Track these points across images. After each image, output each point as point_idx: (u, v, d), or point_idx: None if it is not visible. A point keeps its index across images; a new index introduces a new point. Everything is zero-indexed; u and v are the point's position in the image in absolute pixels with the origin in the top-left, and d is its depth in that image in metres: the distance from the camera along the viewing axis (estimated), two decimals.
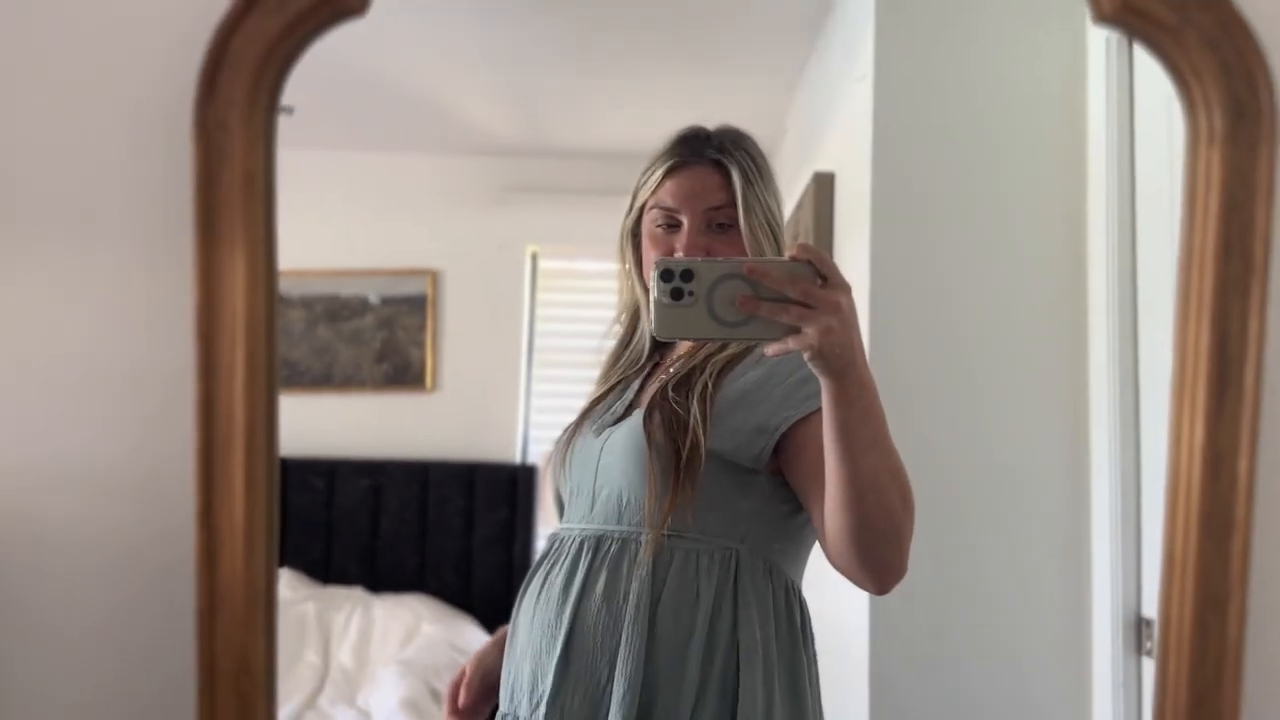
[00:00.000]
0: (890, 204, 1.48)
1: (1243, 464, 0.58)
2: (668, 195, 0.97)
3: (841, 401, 0.76)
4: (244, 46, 0.61)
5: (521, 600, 0.98)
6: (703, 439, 0.91)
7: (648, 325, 1.03)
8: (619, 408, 1.01)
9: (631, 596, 0.90)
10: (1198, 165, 0.58)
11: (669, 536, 0.90)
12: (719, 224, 0.96)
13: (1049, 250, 1.40)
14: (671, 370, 0.99)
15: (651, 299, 0.74)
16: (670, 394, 0.95)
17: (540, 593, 0.95)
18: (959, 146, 1.46)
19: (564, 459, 1.00)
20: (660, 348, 1.05)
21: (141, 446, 0.68)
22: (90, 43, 0.68)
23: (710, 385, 0.94)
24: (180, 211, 0.64)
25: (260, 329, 0.61)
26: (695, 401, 0.93)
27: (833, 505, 0.82)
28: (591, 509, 0.95)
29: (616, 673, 0.88)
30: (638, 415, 0.96)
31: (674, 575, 0.90)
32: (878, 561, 0.83)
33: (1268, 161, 0.58)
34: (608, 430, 0.98)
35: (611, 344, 1.09)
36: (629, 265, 1.04)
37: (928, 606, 1.33)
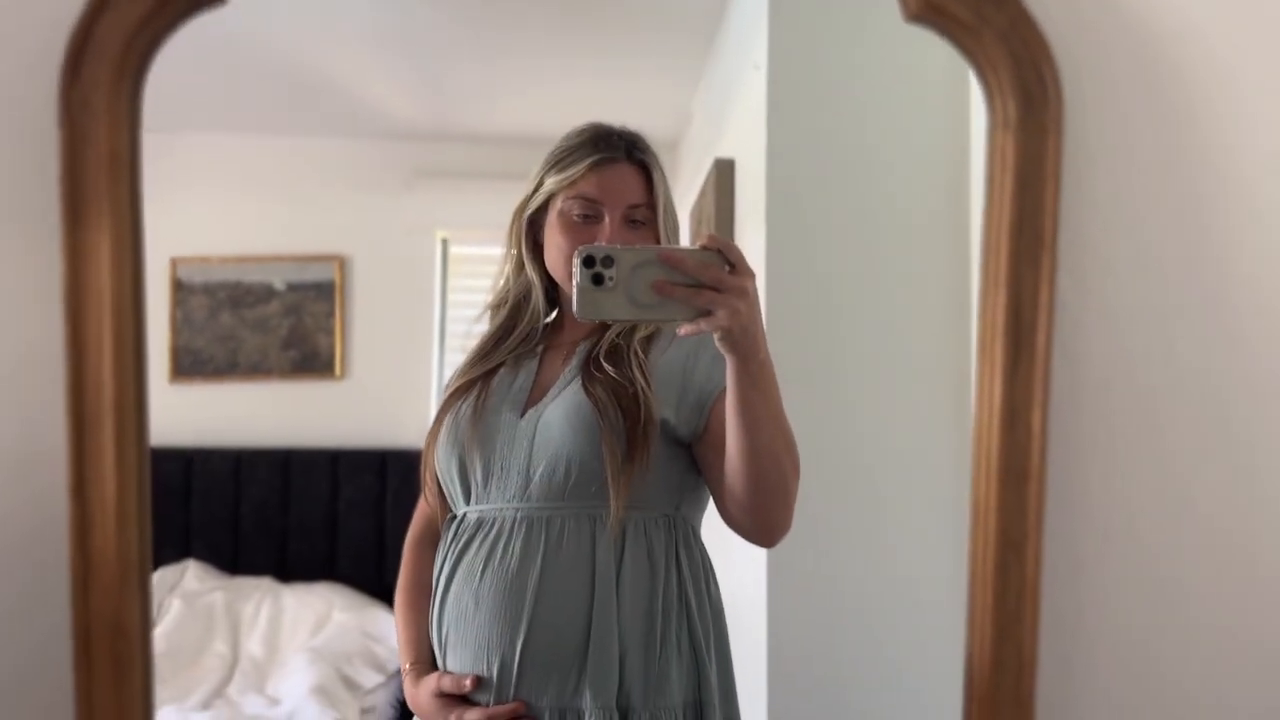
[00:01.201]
0: (785, 190, 1.53)
1: (1036, 419, 0.65)
2: (592, 188, 1.00)
3: (745, 378, 0.84)
4: (108, 30, 0.63)
5: (448, 587, 0.98)
6: (654, 407, 0.96)
7: (543, 308, 1.06)
8: (524, 386, 1.03)
9: (598, 568, 0.94)
10: (994, 149, 0.65)
11: (625, 508, 0.94)
12: (635, 220, 1.01)
13: (934, 233, 1.46)
14: (580, 349, 1.02)
15: (575, 282, 0.79)
16: (604, 366, 0.98)
17: (481, 575, 0.96)
18: (850, 134, 1.51)
19: (473, 439, 1.00)
20: (548, 333, 1.07)
21: (13, 423, 0.70)
22: None
23: (643, 356, 0.99)
24: (47, 192, 0.66)
25: (127, 307, 0.64)
26: (636, 371, 0.98)
27: (734, 469, 0.89)
28: (526, 488, 0.96)
29: (591, 642, 0.92)
30: (575, 389, 0.98)
31: (631, 545, 0.95)
32: (770, 520, 0.92)
33: (1055, 145, 0.64)
34: (533, 409, 1.00)
35: (483, 329, 1.10)
36: (519, 250, 1.06)
37: (821, 565, 1.39)
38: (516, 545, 0.95)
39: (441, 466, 1.03)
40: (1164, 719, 0.77)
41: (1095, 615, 0.75)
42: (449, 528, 1.02)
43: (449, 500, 1.04)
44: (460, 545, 0.99)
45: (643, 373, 0.98)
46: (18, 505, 0.69)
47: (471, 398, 1.03)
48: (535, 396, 1.02)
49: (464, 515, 1.01)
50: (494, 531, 0.97)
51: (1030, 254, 0.64)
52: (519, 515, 0.96)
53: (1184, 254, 0.73)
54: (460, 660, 0.96)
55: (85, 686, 0.65)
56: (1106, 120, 0.70)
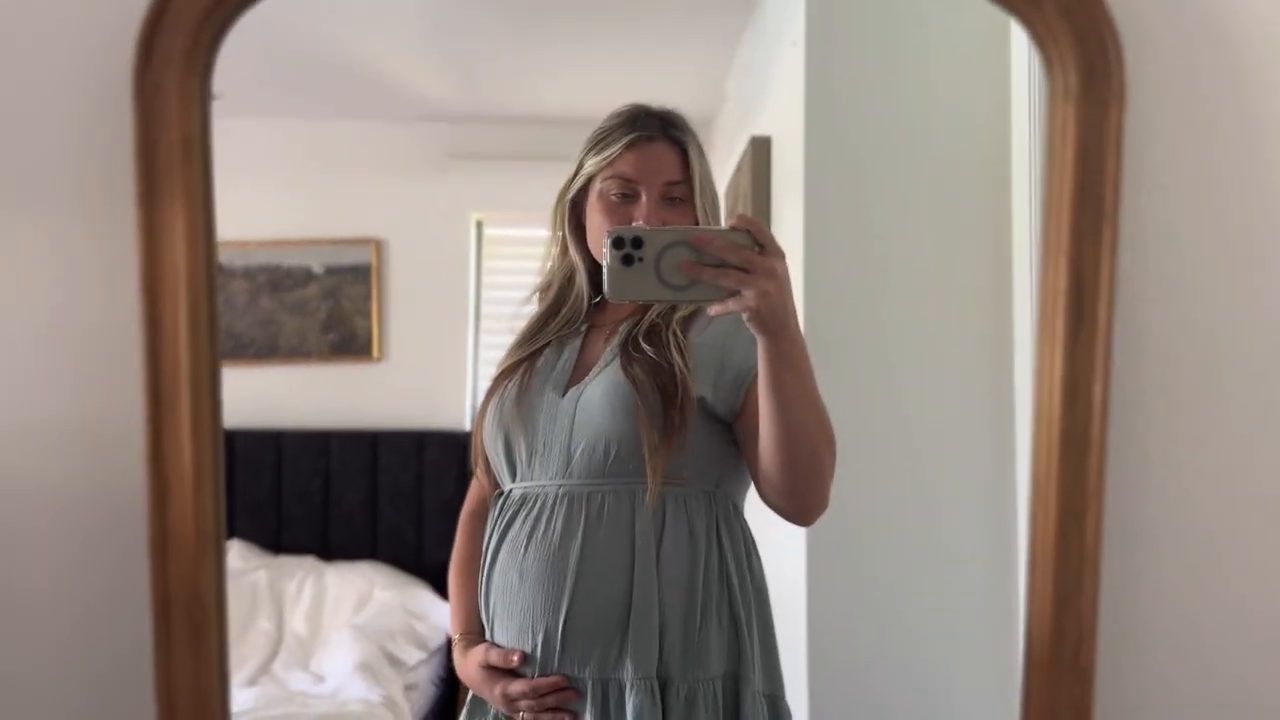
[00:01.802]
0: (824, 168, 1.52)
1: (1097, 390, 0.65)
2: (628, 168, 1.01)
3: (775, 357, 0.84)
4: (180, 14, 0.64)
5: (494, 561, 1.00)
6: (691, 386, 0.97)
7: (587, 289, 1.07)
8: (567, 366, 1.04)
9: (638, 542, 0.95)
10: (1055, 120, 0.65)
11: (663, 484, 0.96)
12: (673, 198, 1.01)
13: (975, 212, 1.45)
14: (621, 330, 1.03)
15: (605, 263, 0.80)
16: (643, 346, 0.99)
17: (525, 549, 0.98)
18: (889, 111, 1.50)
19: (517, 419, 1.02)
20: (592, 313, 1.08)
21: (92, 398, 0.72)
22: (31, 11, 0.70)
23: (681, 336, 1.00)
24: (121, 174, 0.67)
25: (201, 283, 0.65)
26: (674, 351, 0.99)
27: (767, 449, 0.90)
28: (568, 465, 0.98)
29: (633, 613, 0.94)
30: (614, 369, 0.99)
31: (671, 520, 0.97)
32: (805, 497, 0.93)
33: (1116, 116, 0.64)
34: (574, 389, 1.01)
35: (531, 310, 1.11)
36: (563, 232, 1.08)
37: (860, 545, 1.40)
38: (558, 520, 0.97)
39: (489, 445, 1.05)
40: (1220, 690, 0.77)
41: (1153, 585, 0.75)
42: (495, 504, 1.04)
43: (496, 477, 1.06)
44: (505, 521, 1.01)
45: (680, 352, 0.99)
46: (97, 477, 0.71)
47: (517, 378, 1.05)
48: (578, 375, 1.03)
49: (509, 492, 1.03)
50: (537, 507, 0.99)
51: (1092, 226, 0.64)
52: (561, 491, 0.98)
53: (1245, 226, 0.73)
54: (506, 632, 0.98)
55: (164, 653, 0.67)
56: (1169, 92, 0.70)
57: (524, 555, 0.97)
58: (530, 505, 0.99)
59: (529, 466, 1.01)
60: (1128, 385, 0.71)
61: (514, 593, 0.97)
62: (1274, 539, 0.76)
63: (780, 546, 1.39)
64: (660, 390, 0.96)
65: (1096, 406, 0.66)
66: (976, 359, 1.42)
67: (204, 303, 0.66)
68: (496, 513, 1.03)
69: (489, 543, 1.03)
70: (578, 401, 1.00)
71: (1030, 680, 0.69)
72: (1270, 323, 0.74)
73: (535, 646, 0.96)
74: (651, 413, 0.96)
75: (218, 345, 0.67)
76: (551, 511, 0.98)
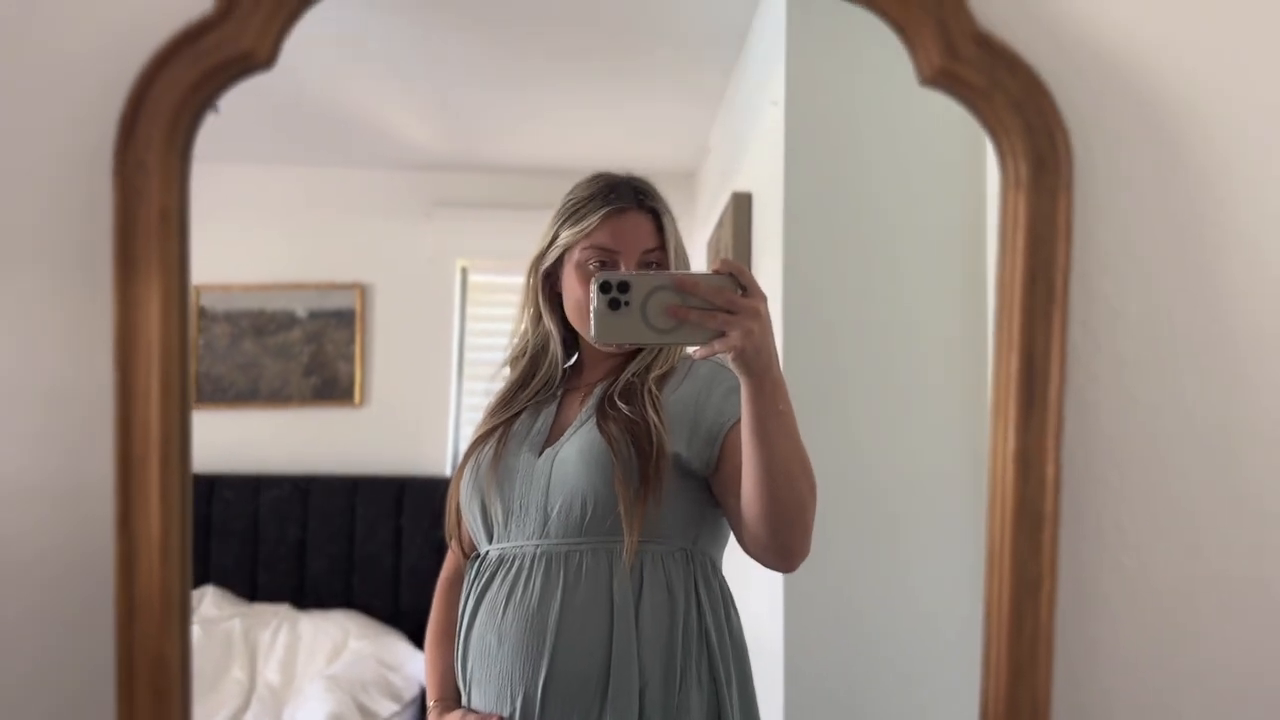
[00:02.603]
0: (802, 223, 1.55)
1: (1049, 468, 0.67)
2: (607, 238, 1.03)
3: (759, 399, 0.86)
4: (161, 95, 0.66)
5: (471, 624, 1.01)
6: (666, 442, 0.99)
7: (561, 356, 1.09)
8: (543, 429, 1.05)
9: (616, 600, 0.96)
10: (1007, 208, 0.67)
11: (640, 541, 0.97)
12: (649, 263, 1.03)
13: (949, 267, 1.48)
14: (596, 391, 1.05)
15: (592, 309, 0.83)
16: (619, 405, 1.01)
17: (503, 611, 0.98)
18: (867, 170, 1.53)
19: (493, 481, 1.02)
20: (567, 379, 1.10)
21: (62, 462, 0.72)
22: (16, 88, 0.72)
23: (656, 393, 1.02)
24: (99, 244, 0.69)
25: (174, 353, 0.67)
26: (648, 408, 1.00)
27: (750, 493, 0.91)
28: (545, 525, 0.99)
29: (612, 674, 0.94)
30: (589, 428, 1.01)
31: (649, 578, 0.97)
32: (789, 543, 0.94)
33: (1065, 205, 0.67)
34: (550, 449, 1.02)
35: (498, 385, 1.13)
36: (536, 304, 1.09)
37: (838, 592, 1.40)
38: (536, 581, 0.97)
39: (465, 509, 1.06)
40: None
41: (1109, 659, 0.76)
42: (471, 567, 1.04)
43: (474, 540, 1.07)
44: (483, 583, 1.01)
45: (655, 409, 1.00)
46: (64, 538, 0.72)
47: (492, 442, 1.06)
48: (553, 437, 1.04)
49: (486, 554, 1.03)
50: (515, 568, 0.99)
51: (1043, 309, 0.67)
52: (539, 551, 0.98)
53: (1192, 305, 0.75)
54: (485, 696, 0.98)
55: (127, 718, 0.67)
56: (1115, 181, 0.73)
57: (502, 617, 0.97)
58: (508, 566, 1.00)
59: (505, 528, 1.01)
60: (1080, 460, 0.73)
61: (492, 655, 0.97)
62: (1229, 609, 0.77)
63: (758, 601, 1.40)
64: (635, 447, 0.98)
65: (1049, 482, 0.68)
66: (950, 410, 1.43)
67: (176, 371, 0.67)
68: (473, 575, 1.03)
69: (465, 605, 1.03)
70: (554, 461, 1.01)
71: None
72: (1217, 397, 0.76)
73: (514, 710, 0.95)
74: (626, 469, 0.97)
75: (189, 414, 0.68)
76: (529, 572, 0.98)
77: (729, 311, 0.82)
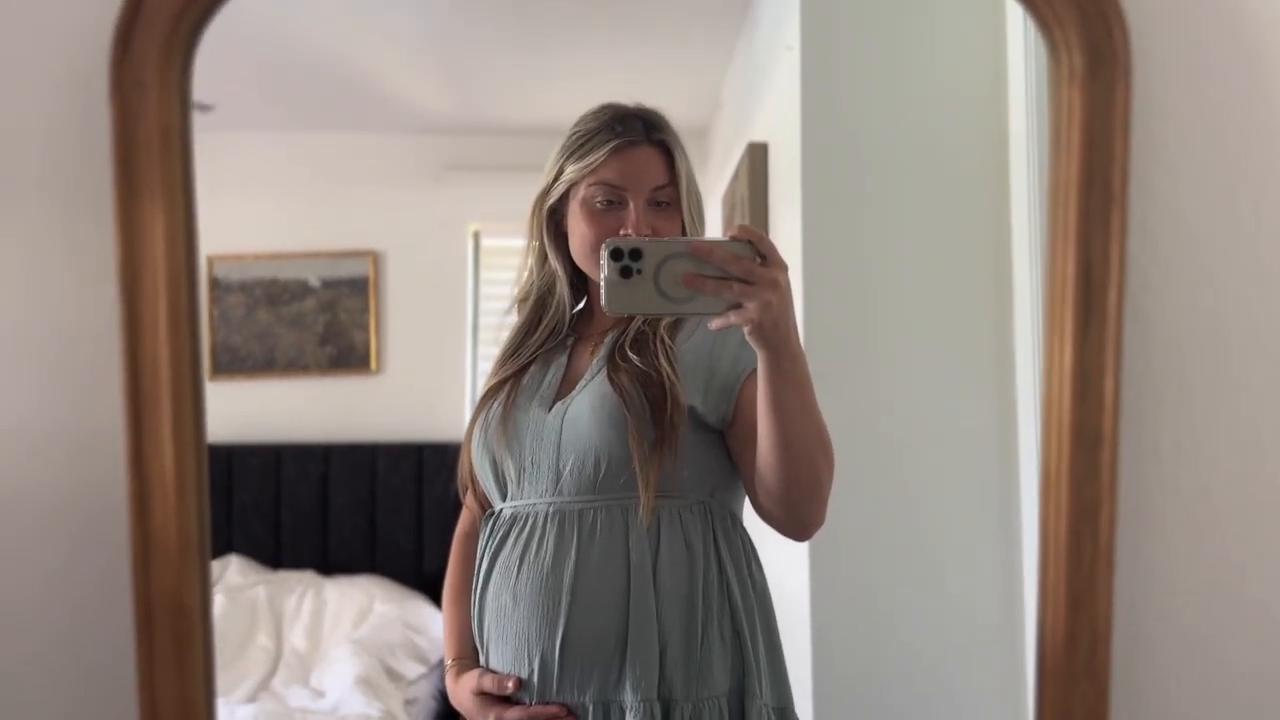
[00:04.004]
0: (820, 172, 1.51)
1: (1109, 383, 0.63)
2: (614, 174, 0.97)
3: (776, 372, 0.82)
4: (156, 5, 0.63)
5: (486, 584, 0.98)
6: (681, 394, 0.95)
7: (569, 298, 1.04)
8: (553, 382, 1.02)
9: (633, 558, 0.93)
10: (1060, 103, 0.63)
11: (656, 497, 0.93)
12: (659, 202, 0.99)
13: (974, 213, 1.44)
14: (607, 340, 1.01)
15: (602, 276, 0.78)
16: (630, 356, 0.97)
17: (518, 571, 0.95)
18: (886, 114, 1.49)
19: (503, 438, 1.00)
20: (576, 324, 1.06)
21: (73, 405, 0.70)
22: (4, 7, 0.69)
23: (669, 343, 0.98)
24: (99, 169, 0.66)
25: (182, 281, 0.64)
26: (661, 359, 0.96)
27: (765, 464, 0.88)
28: (557, 482, 0.96)
29: (631, 633, 0.91)
30: (600, 381, 0.97)
31: (666, 534, 0.94)
32: (803, 514, 0.91)
33: (1123, 98, 0.63)
34: (560, 403, 0.99)
35: (513, 319, 1.09)
36: (541, 240, 1.04)
37: (864, 556, 1.38)
38: (550, 540, 0.94)
39: (476, 467, 1.03)
40: (1237, 694, 0.75)
41: (1168, 583, 0.73)
42: (485, 525, 1.02)
43: (487, 498, 1.04)
44: (496, 542, 0.99)
45: (669, 360, 0.96)
46: (77, 483, 0.69)
47: (501, 397, 1.02)
48: (564, 390, 1.01)
49: (499, 512, 1.00)
50: (528, 527, 0.96)
51: (1100, 212, 0.63)
52: (551, 510, 0.95)
53: (1255, 209, 0.71)
54: (501, 656, 0.96)
55: (147, 664, 0.65)
56: (1175, 73, 0.68)
57: (516, 578, 0.95)
58: (521, 525, 0.97)
59: (518, 486, 0.99)
60: (1138, 377, 0.69)
61: (508, 616, 0.95)
62: None
63: (781, 555, 1.38)
64: (649, 400, 0.94)
65: (1108, 400, 0.64)
66: (978, 363, 1.40)
67: (185, 302, 0.64)
68: (487, 534, 1.01)
69: (480, 565, 1.00)
70: (564, 416, 0.97)
71: (1043, 685, 0.67)
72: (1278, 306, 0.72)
73: (531, 671, 0.93)
74: (640, 423, 0.93)
75: (199, 347, 0.65)
76: (543, 531, 0.95)
77: (746, 281, 0.77)
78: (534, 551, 0.95)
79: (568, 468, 0.95)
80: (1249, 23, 0.69)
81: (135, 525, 0.64)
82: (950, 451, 1.42)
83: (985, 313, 1.40)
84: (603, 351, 1.00)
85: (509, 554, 0.97)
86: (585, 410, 0.96)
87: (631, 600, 0.92)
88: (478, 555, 1.01)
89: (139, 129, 0.62)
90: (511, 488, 0.99)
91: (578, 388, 0.99)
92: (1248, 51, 0.70)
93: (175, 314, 0.64)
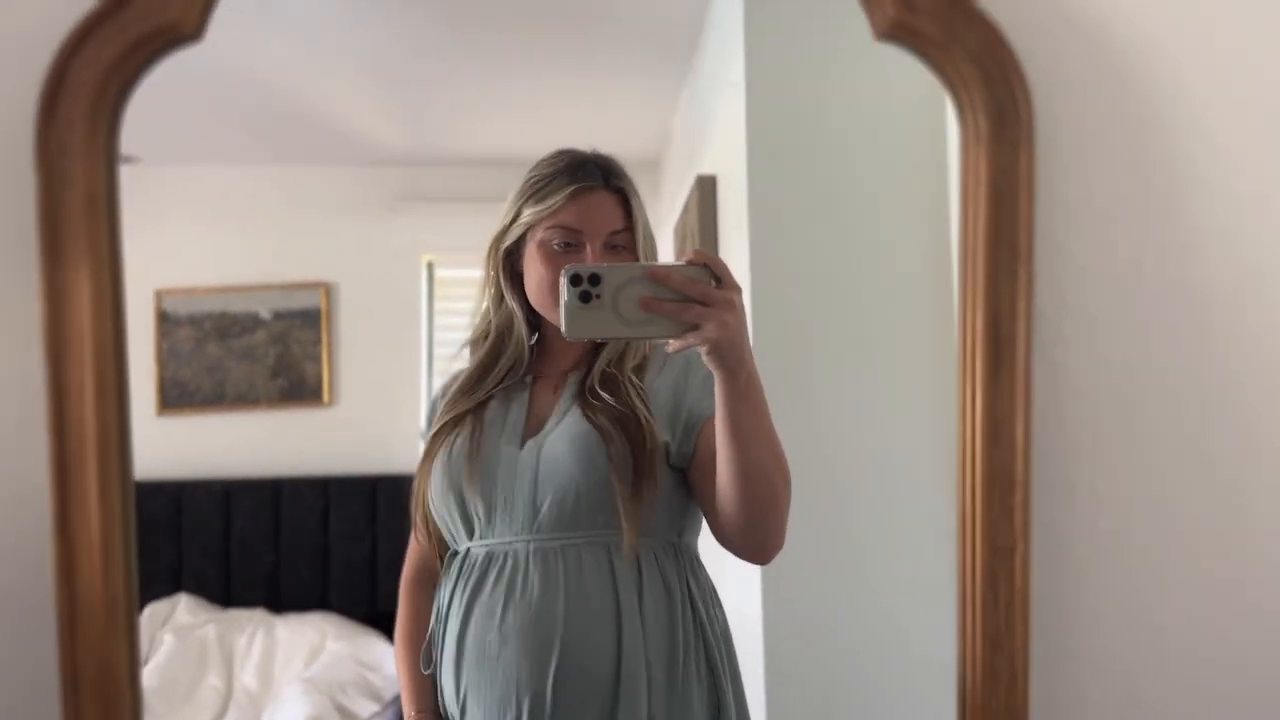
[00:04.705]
0: (767, 204, 1.53)
1: (1019, 429, 0.66)
2: (572, 218, 0.99)
3: (734, 394, 0.84)
4: (83, 71, 0.63)
5: (465, 625, 0.96)
6: (657, 432, 0.96)
7: (527, 338, 1.05)
8: (517, 420, 1.01)
9: (620, 595, 0.93)
10: (968, 164, 0.66)
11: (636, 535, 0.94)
12: (615, 245, 1.00)
13: (915, 243, 1.47)
14: (570, 380, 1.02)
15: (561, 302, 0.80)
16: (603, 396, 0.98)
17: (503, 611, 0.94)
18: (829, 147, 1.52)
19: (472, 474, 0.98)
20: (534, 364, 1.06)
21: None
22: None
23: (639, 384, 0.99)
24: (25, 233, 0.66)
25: (108, 345, 0.64)
26: (635, 400, 0.97)
27: (725, 487, 0.89)
28: (534, 520, 0.96)
29: (622, 670, 0.92)
30: (576, 419, 0.97)
31: (647, 572, 0.95)
32: (763, 535, 0.92)
33: (1027, 158, 0.65)
34: (532, 441, 0.99)
35: (461, 364, 1.09)
36: (498, 284, 1.05)
37: (816, 579, 1.39)
38: (535, 578, 0.94)
39: (438, 504, 1.01)
40: None
41: (1086, 621, 0.75)
42: (451, 565, 1.00)
43: (448, 536, 1.02)
44: (472, 582, 0.97)
45: (642, 400, 0.98)
46: (3, 545, 0.69)
47: (465, 432, 1.01)
48: (532, 428, 1.01)
49: (467, 551, 0.99)
50: (508, 566, 0.95)
51: (1007, 266, 0.65)
52: (532, 548, 0.95)
53: (1157, 258, 0.74)
54: (486, 700, 0.94)
55: None
56: (1076, 132, 0.71)
57: (502, 618, 0.94)
58: (499, 564, 0.96)
59: (489, 523, 0.98)
60: (1050, 422, 0.72)
61: (493, 658, 0.94)
62: (1201, 567, 0.76)
63: (735, 593, 1.38)
64: (627, 438, 0.95)
65: (1019, 445, 0.66)
66: (921, 390, 1.43)
67: (111, 363, 0.64)
68: (455, 575, 0.99)
69: (448, 608, 0.98)
70: (539, 453, 0.97)
71: None
72: (1184, 351, 0.75)
73: (520, 713, 0.92)
74: (621, 461, 0.94)
75: (127, 408, 0.65)
76: (526, 569, 0.95)
77: (703, 303, 0.79)
78: (519, 590, 0.94)
79: (545, 505, 0.95)
80: (1145, 83, 0.72)
81: (61, 588, 0.64)
82: (896, 478, 1.44)
83: (928, 340, 1.43)
84: (568, 390, 1.01)
85: (491, 594, 0.95)
86: (562, 447, 0.97)
87: (623, 638, 0.93)
88: (443, 597, 1.00)
89: (64, 194, 0.62)
90: (480, 526, 0.98)
91: (549, 425, 0.99)
92: (1145, 110, 0.73)
93: (102, 377, 0.64)
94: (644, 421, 0.96)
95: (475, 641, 0.95)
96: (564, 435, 0.97)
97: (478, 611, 0.96)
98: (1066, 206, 0.71)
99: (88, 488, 0.64)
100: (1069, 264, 0.72)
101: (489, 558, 0.97)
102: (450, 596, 0.99)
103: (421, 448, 1.09)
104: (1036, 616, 0.70)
